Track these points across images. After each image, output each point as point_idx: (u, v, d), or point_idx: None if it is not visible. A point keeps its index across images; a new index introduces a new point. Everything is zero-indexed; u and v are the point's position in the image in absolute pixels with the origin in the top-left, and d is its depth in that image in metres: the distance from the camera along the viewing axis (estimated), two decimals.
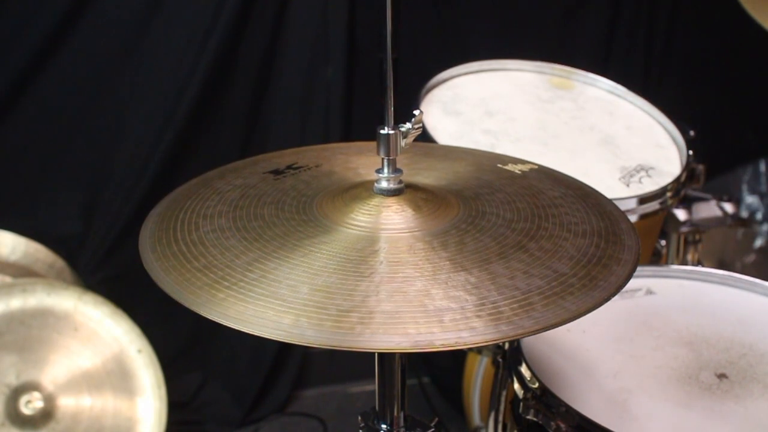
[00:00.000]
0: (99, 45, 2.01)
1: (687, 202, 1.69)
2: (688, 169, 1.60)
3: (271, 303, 0.79)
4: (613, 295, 0.84)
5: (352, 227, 0.90)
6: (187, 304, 0.80)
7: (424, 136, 1.51)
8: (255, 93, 2.13)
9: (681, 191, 1.59)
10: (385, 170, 0.96)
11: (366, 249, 0.86)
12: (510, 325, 0.77)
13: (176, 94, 2.04)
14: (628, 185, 1.52)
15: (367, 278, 0.82)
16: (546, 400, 1.09)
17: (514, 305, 0.79)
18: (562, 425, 1.06)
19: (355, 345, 0.75)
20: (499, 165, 1.10)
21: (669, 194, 1.53)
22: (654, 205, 1.51)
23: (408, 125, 0.95)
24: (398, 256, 0.85)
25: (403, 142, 0.95)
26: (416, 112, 0.95)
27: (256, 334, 0.76)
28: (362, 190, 0.96)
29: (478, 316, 0.77)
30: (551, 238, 0.91)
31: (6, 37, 1.96)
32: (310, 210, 0.94)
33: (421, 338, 0.75)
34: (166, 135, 2.05)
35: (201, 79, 2.03)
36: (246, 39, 2.06)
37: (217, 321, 0.78)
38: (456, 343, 0.75)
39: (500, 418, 1.28)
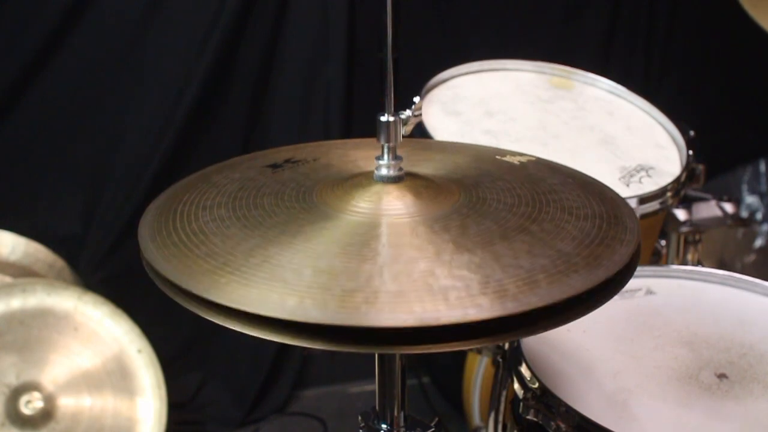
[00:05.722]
0: (99, 45, 2.01)
1: (687, 202, 1.69)
2: (688, 169, 1.60)
3: (275, 286, 0.78)
4: (618, 275, 0.83)
5: (354, 213, 0.90)
6: (190, 289, 0.80)
7: (424, 136, 1.51)
8: (255, 93, 2.13)
9: (681, 191, 1.59)
10: (386, 157, 0.95)
11: (368, 233, 0.86)
12: (516, 302, 0.77)
13: (176, 94, 2.04)
14: (628, 185, 1.52)
15: (370, 260, 0.81)
16: (546, 400, 1.09)
17: (519, 283, 0.79)
18: (562, 425, 1.06)
19: (361, 323, 0.74)
20: (498, 157, 1.10)
21: (669, 194, 1.53)
22: (654, 205, 1.51)
23: (408, 112, 0.95)
24: (401, 239, 0.85)
25: (403, 130, 0.95)
26: (416, 99, 0.96)
27: (259, 314, 0.76)
28: (362, 178, 0.96)
29: (484, 294, 0.77)
30: (553, 220, 0.91)
31: (6, 37, 1.96)
32: (310, 199, 0.94)
33: (427, 315, 0.75)
34: (166, 135, 2.06)
35: (201, 79, 2.03)
36: (246, 39, 2.06)
37: (221, 303, 0.77)
38: (463, 318, 0.74)
39: (500, 418, 1.29)
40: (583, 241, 0.87)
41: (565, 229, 0.89)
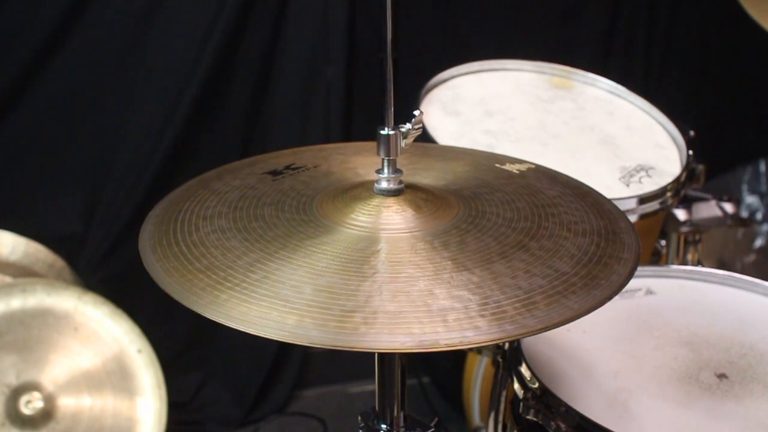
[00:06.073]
0: (99, 45, 2.01)
1: (687, 202, 1.69)
2: (688, 169, 1.60)
3: (275, 304, 0.79)
4: (616, 293, 0.84)
5: (354, 228, 0.90)
6: (189, 306, 0.80)
7: (424, 136, 1.51)
8: (255, 93, 2.13)
9: (681, 191, 1.59)
10: (385, 171, 0.96)
11: (367, 249, 0.86)
12: (514, 325, 0.77)
13: (176, 94, 2.04)
14: (628, 185, 1.52)
15: (369, 278, 0.82)
16: (546, 400, 1.09)
17: (517, 304, 0.79)
18: (562, 425, 1.06)
19: (360, 345, 0.75)
20: (497, 165, 1.10)
21: (669, 194, 1.53)
22: (654, 205, 1.51)
23: (408, 126, 0.95)
24: (400, 256, 0.85)
25: (403, 143, 0.95)
26: (416, 113, 0.96)
27: (260, 335, 0.76)
28: (362, 190, 0.96)
29: (482, 316, 0.77)
30: (551, 237, 0.91)
31: (6, 37, 1.96)
32: (310, 210, 0.94)
33: (426, 338, 0.75)
34: (166, 135, 2.05)
35: (201, 79, 2.03)
36: (246, 39, 2.06)
37: (221, 322, 0.78)
38: (461, 342, 0.75)
39: (500, 418, 1.28)
40: (581, 259, 0.88)
41: (563, 246, 0.89)
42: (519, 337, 0.77)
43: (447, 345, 0.75)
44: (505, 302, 0.79)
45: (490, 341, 0.76)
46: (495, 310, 0.78)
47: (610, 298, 0.83)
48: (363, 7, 2.09)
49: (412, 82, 1.66)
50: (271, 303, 0.79)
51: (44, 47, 1.97)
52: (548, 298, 0.81)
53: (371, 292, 0.80)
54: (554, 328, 0.78)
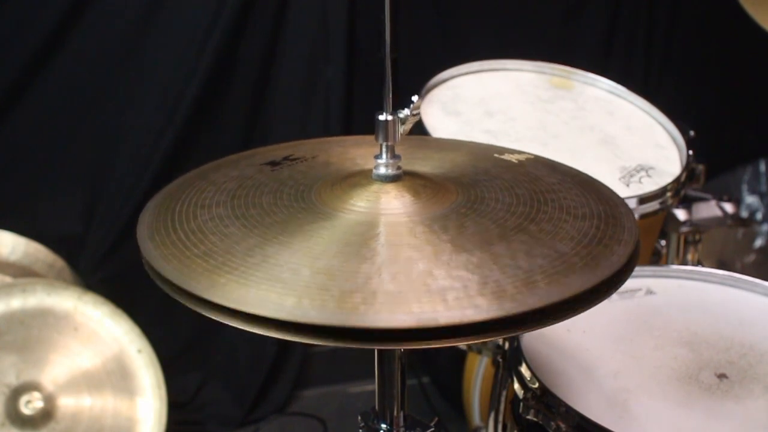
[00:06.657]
0: (99, 45, 2.01)
1: (687, 202, 1.69)
2: (688, 169, 1.60)
3: (273, 286, 0.78)
4: (616, 275, 0.83)
5: (352, 213, 0.90)
6: (188, 289, 0.80)
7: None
8: (255, 93, 2.14)
9: (681, 191, 1.59)
10: (384, 156, 0.95)
11: (366, 233, 0.86)
12: (514, 303, 0.76)
13: (176, 94, 2.04)
14: (628, 185, 1.52)
15: (368, 260, 0.81)
16: (546, 400, 1.09)
17: (518, 283, 0.79)
18: (562, 425, 1.06)
19: (359, 324, 0.74)
20: (496, 155, 1.10)
21: (669, 194, 1.53)
22: (654, 205, 1.51)
23: (406, 111, 0.95)
24: (399, 239, 0.85)
25: (401, 129, 0.95)
26: (414, 98, 0.95)
27: (258, 314, 0.76)
28: (361, 177, 0.96)
29: (482, 295, 0.77)
30: (551, 220, 0.91)
31: (6, 37, 1.96)
32: (308, 198, 0.94)
33: (425, 316, 0.75)
34: (166, 135, 2.06)
35: (201, 79, 2.03)
36: (246, 39, 2.07)
37: (219, 303, 0.77)
38: (461, 319, 0.74)
39: (500, 418, 1.28)
40: (581, 241, 0.87)
41: (563, 229, 0.89)
42: (520, 315, 0.76)
43: (446, 323, 0.74)
44: (505, 281, 0.79)
45: (490, 318, 0.75)
46: (495, 289, 0.78)
47: (611, 278, 0.82)
48: (363, 7, 2.09)
49: (412, 82, 1.66)
50: (270, 285, 0.78)
51: (44, 47, 1.97)
52: (548, 278, 0.80)
53: (370, 273, 0.79)
54: (555, 309, 0.77)
